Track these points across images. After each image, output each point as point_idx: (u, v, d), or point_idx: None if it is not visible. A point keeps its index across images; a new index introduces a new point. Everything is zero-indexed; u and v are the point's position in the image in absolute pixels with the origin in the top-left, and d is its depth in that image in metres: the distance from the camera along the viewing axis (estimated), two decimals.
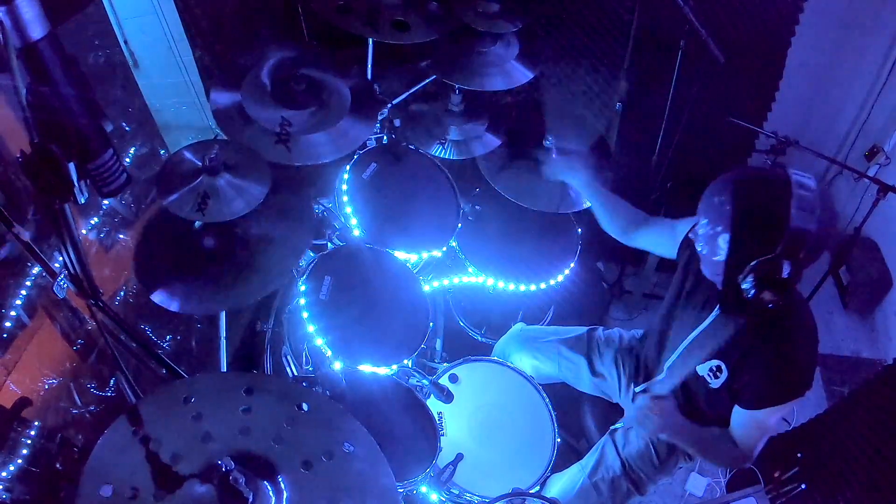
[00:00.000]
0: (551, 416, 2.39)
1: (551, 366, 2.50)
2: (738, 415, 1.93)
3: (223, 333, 2.27)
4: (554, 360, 2.50)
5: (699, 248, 1.84)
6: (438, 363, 2.79)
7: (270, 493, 1.45)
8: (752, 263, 1.66)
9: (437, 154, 2.73)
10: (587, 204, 2.75)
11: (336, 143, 2.30)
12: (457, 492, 2.19)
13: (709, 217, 1.76)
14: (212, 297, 2.05)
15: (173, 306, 1.99)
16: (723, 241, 1.71)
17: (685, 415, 2.13)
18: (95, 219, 2.48)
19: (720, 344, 1.95)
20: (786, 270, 1.63)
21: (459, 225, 2.68)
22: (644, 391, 2.27)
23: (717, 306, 1.95)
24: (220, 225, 2.05)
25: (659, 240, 2.23)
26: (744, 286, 1.69)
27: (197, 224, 2.01)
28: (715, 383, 1.95)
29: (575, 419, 2.64)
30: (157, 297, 1.99)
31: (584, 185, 2.51)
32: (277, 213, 2.19)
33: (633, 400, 2.33)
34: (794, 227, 1.60)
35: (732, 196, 1.69)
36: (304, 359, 2.46)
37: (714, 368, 1.95)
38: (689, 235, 1.88)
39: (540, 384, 2.46)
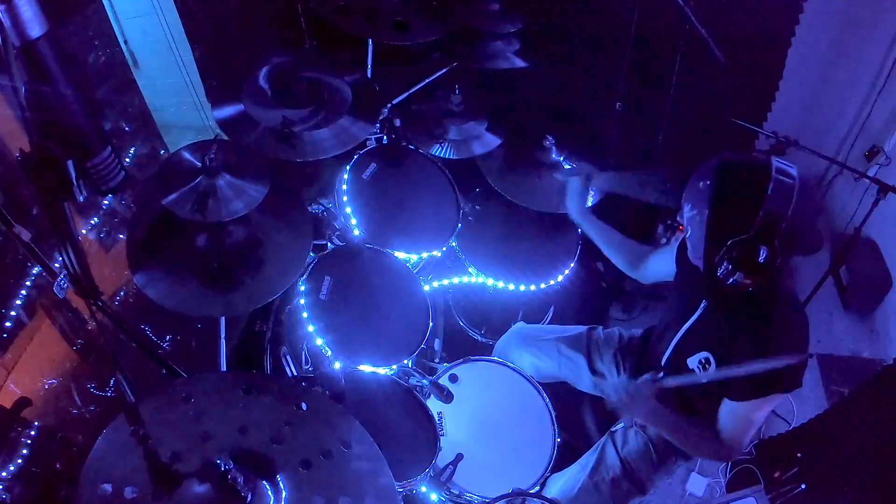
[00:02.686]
0: (551, 416, 2.39)
1: (551, 364, 2.50)
2: (725, 405, 1.93)
3: (223, 333, 2.27)
4: (554, 359, 2.50)
5: (686, 233, 1.87)
6: (438, 363, 2.79)
7: (269, 492, 1.45)
8: (728, 243, 1.69)
9: (437, 154, 2.73)
10: (588, 202, 2.76)
11: (338, 138, 2.31)
12: (457, 492, 2.19)
13: (693, 198, 1.80)
14: (209, 301, 2.06)
15: (152, 293, 1.98)
16: (704, 221, 1.75)
17: (680, 410, 2.14)
18: (95, 219, 2.48)
19: (708, 335, 1.97)
20: (762, 255, 1.65)
21: (459, 225, 2.68)
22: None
23: (705, 299, 1.97)
24: (217, 228, 2.05)
25: (669, 261, 2.23)
26: (720, 268, 1.72)
27: None
28: (704, 376, 1.95)
29: (575, 419, 2.64)
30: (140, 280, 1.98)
31: (589, 224, 2.50)
32: (278, 219, 2.20)
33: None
34: (768, 208, 1.64)
35: (715, 176, 1.74)
36: (303, 359, 2.46)
37: (703, 361, 1.96)
38: (678, 220, 1.91)
39: (540, 384, 2.46)
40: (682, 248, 2.12)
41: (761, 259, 1.66)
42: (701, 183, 1.77)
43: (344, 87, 2.45)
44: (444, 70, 2.83)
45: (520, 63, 2.82)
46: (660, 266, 2.30)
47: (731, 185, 1.72)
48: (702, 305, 1.99)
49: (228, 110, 2.25)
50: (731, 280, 1.72)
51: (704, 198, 1.75)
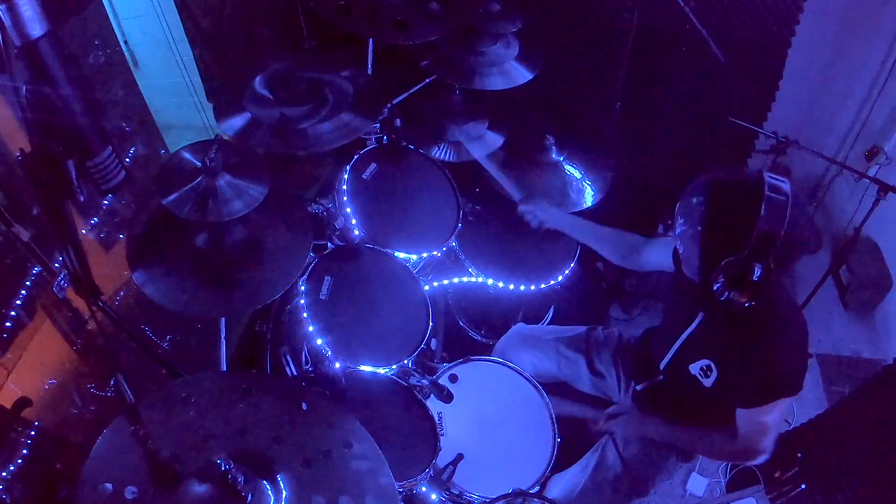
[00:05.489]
0: (551, 416, 2.39)
1: (550, 364, 2.51)
2: (738, 414, 1.95)
3: (223, 333, 2.27)
4: (553, 359, 2.50)
5: (679, 249, 1.84)
6: (438, 363, 2.79)
7: (269, 492, 1.45)
8: (721, 263, 1.67)
9: (436, 154, 2.73)
10: (588, 202, 2.76)
11: (339, 131, 2.29)
12: (457, 492, 2.19)
13: (685, 217, 1.76)
14: (209, 301, 2.05)
15: (151, 291, 1.96)
16: (697, 241, 1.72)
17: (682, 415, 2.14)
18: (95, 219, 2.48)
19: (708, 343, 1.97)
20: (756, 273, 1.63)
21: (459, 225, 2.68)
22: (644, 390, 2.27)
23: (702, 309, 1.96)
24: (216, 228, 2.05)
25: (665, 254, 2.22)
26: (715, 286, 1.70)
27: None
28: (707, 382, 1.96)
29: (575, 419, 2.63)
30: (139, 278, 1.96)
31: (569, 228, 2.53)
32: (278, 219, 2.19)
33: (633, 399, 2.34)
34: (762, 229, 1.61)
35: (706, 196, 1.70)
36: (303, 359, 2.46)
37: (704, 367, 1.97)
38: (670, 235, 1.89)
39: (541, 384, 2.46)
40: (677, 254, 2.11)
41: (755, 278, 1.64)
42: (694, 199, 1.73)
43: (345, 85, 2.44)
44: (433, 77, 2.81)
45: (517, 78, 2.79)
46: (657, 257, 2.28)
47: (722, 206, 1.68)
48: (699, 315, 1.98)
49: (237, 122, 2.24)
50: (725, 297, 1.70)
51: (697, 215, 1.71)
